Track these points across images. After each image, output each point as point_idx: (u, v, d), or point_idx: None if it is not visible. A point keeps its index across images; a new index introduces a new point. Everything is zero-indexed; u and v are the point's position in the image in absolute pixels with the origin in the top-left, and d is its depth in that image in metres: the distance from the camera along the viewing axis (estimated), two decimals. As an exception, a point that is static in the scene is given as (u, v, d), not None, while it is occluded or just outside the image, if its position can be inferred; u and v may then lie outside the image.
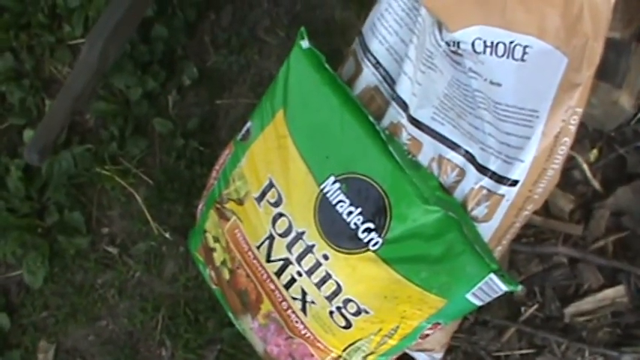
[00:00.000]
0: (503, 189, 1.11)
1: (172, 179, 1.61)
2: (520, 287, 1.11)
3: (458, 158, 1.14)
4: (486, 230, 1.16)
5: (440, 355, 1.35)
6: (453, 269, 1.09)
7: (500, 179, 1.11)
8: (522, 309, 1.43)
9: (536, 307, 1.43)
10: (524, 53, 1.03)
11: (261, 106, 1.22)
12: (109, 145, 1.62)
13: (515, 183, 1.11)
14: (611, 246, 1.48)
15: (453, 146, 1.14)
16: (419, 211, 1.09)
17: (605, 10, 1.02)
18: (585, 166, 1.52)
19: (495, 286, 1.10)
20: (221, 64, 1.63)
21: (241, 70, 1.58)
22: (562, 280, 1.45)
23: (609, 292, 1.44)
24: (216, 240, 1.34)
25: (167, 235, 1.59)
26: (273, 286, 1.24)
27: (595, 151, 1.55)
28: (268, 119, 1.19)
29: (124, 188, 1.60)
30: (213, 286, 1.40)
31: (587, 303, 1.43)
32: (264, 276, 1.24)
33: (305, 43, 1.16)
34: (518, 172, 1.09)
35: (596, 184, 1.53)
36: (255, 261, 1.25)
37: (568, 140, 1.10)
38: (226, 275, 1.33)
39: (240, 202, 1.25)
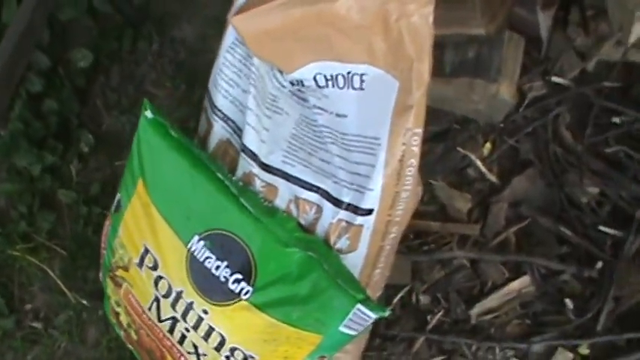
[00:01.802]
0: (359, 219, 1.16)
1: (83, 247, 1.67)
2: (388, 312, 1.16)
3: (313, 196, 1.19)
4: (356, 259, 1.21)
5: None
6: (322, 306, 1.15)
7: (355, 210, 1.15)
8: (429, 317, 1.48)
9: (441, 313, 1.48)
10: (362, 81, 1.09)
11: (125, 177, 1.28)
12: (19, 225, 1.68)
13: (370, 212, 1.16)
14: (513, 237, 1.53)
15: (307, 185, 1.19)
16: (280, 256, 1.14)
17: (425, 32, 1.07)
18: (479, 163, 1.57)
19: (364, 315, 1.15)
20: (115, 126, 1.69)
21: (134, 128, 1.63)
22: (465, 282, 1.50)
23: (514, 285, 1.49)
24: (118, 304, 1.40)
25: (84, 302, 1.66)
26: (170, 344, 1.29)
27: (488, 145, 1.60)
28: (132, 190, 1.25)
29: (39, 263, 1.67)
30: (129, 346, 1.46)
31: (492, 300, 1.48)
32: (161, 335, 1.30)
33: (149, 114, 1.21)
34: (371, 201, 1.14)
35: (492, 178, 1.58)
36: (150, 322, 1.31)
37: (414, 161, 1.15)
38: (134, 336, 1.40)
39: (126, 268, 1.31)
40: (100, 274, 1.44)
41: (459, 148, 1.56)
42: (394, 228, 1.20)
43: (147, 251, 1.25)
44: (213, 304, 1.19)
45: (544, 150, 1.55)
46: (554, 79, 1.60)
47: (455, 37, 1.53)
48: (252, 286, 1.15)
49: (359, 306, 1.13)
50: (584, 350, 1.45)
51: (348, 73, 1.10)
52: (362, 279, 1.25)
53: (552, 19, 1.60)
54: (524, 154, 1.58)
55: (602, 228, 1.48)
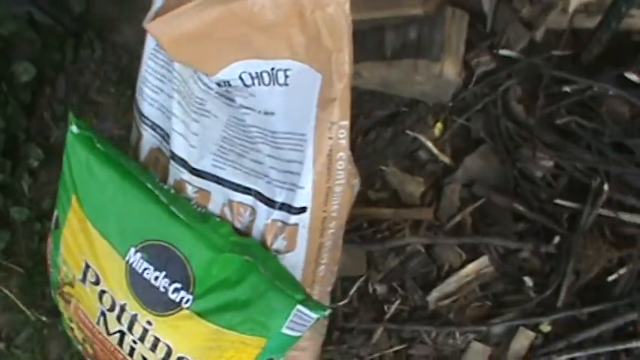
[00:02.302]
0: (294, 218, 1.15)
1: (39, 263, 1.67)
2: (328, 312, 1.16)
3: (247, 198, 1.18)
4: (296, 258, 1.21)
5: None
6: (263, 309, 1.14)
7: (289, 209, 1.15)
8: (386, 307, 1.47)
9: (399, 301, 1.47)
10: (286, 77, 1.08)
11: (60, 194, 1.27)
12: (-26, 247, 1.68)
13: (303, 210, 1.15)
14: (469, 218, 1.52)
15: (240, 188, 1.18)
16: (216, 262, 1.14)
17: (342, 22, 1.06)
18: (430, 144, 1.56)
19: (305, 315, 1.14)
20: (64, 138, 1.66)
21: (82, 138, 1.63)
22: (421, 268, 1.50)
23: (472, 267, 1.48)
24: (71, 320, 1.40)
25: (44, 318, 1.66)
26: (121, 356, 1.29)
27: (439, 125, 1.59)
28: (67, 206, 1.24)
29: (-2, 282, 1.67)
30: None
31: (449, 284, 1.47)
32: (112, 348, 1.30)
33: (75, 129, 1.20)
34: (303, 199, 1.14)
35: (445, 159, 1.56)
36: (101, 336, 1.30)
37: (343, 155, 1.14)
38: (90, 350, 1.40)
39: (71, 285, 1.31)
40: (52, 293, 1.44)
41: (408, 131, 1.55)
42: (332, 223, 1.19)
43: (88, 267, 1.24)
44: (157, 315, 1.19)
45: (495, 126, 1.54)
46: (502, 51, 1.59)
47: (394, 20, 1.52)
48: (192, 294, 1.15)
49: (299, 307, 1.13)
50: (545, 327, 1.44)
51: (272, 69, 1.09)
52: (306, 277, 1.24)
53: (495, -9, 1.58)
54: (475, 132, 1.56)
55: (558, 201, 1.47)
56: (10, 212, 1.71)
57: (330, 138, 1.10)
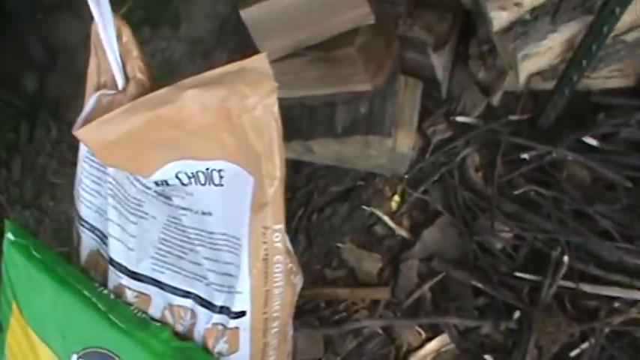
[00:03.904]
0: (233, 322, 1.16)
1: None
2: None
3: (186, 302, 1.19)
4: (241, 358, 1.21)
5: None
6: None
7: (228, 313, 1.15)
8: (345, 394, 1.48)
9: (358, 387, 1.47)
10: (221, 177, 1.10)
11: (1, 299, 1.28)
12: None
13: (243, 313, 1.15)
14: (428, 294, 1.52)
15: (179, 291, 1.19)
16: None
17: (271, 125, 1.07)
18: (387, 218, 1.56)
19: None
20: (19, 221, 1.69)
21: (38, 221, 1.64)
22: (379, 350, 1.50)
23: (432, 345, 1.49)
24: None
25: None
26: None
27: (396, 198, 1.59)
28: (9, 312, 1.26)
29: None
30: None
31: (409, 365, 1.47)
32: None
33: (11, 236, 1.21)
34: (242, 304, 1.14)
35: (403, 233, 1.57)
36: None
37: (280, 258, 1.14)
38: None
39: (20, 389, 1.32)
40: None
41: (364, 206, 1.55)
42: (275, 323, 1.20)
43: (32, 373, 1.25)
44: (103, 422, 1.19)
45: (453, 197, 1.55)
46: (459, 118, 1.60)
47: (345, 95, 1.52)
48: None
49: None
50: (510, 407, 1.44)
51: (207, 169, 1.10)
52: (253, 375, 1.24)
53: (448, 58, 1.59)
54: (433, 204, 1.57)
55: (518, 274, 1.46)
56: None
57: (265, 242, 1.11)
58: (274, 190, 1.07)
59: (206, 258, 1.15)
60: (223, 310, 1.16)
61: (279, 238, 1.12)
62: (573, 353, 1.43)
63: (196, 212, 1.14)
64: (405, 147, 1.52)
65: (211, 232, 1.13)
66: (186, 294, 1.19)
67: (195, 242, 1.16)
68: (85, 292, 1.18)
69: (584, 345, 1.43)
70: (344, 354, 1.49)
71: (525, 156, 1.53)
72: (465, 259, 1.52)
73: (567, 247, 1.45)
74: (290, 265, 1.19)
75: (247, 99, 1.02)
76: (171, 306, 1.20)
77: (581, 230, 1.47)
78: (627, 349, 1.42)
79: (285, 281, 1.16)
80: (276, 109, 1.05)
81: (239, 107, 1.03)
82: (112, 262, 1.21)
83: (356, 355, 1.49)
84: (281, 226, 1.11)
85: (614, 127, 1.49)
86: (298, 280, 1.25)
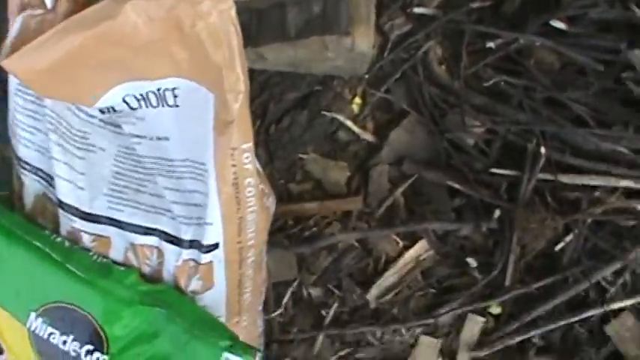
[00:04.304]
0: (206, 257, 1.06)
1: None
2: (260, 354, 1.08)
3: (151, 239, 1.08)
4: (216, 295, 1.13)
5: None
6: None
7: (200, 247, 1.05)
8: (324, 312, 1.40)
9: (337, 304, 1.40)
10: (175, 97, 0.99)
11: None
12: None
13: (215, 246, 1.05)
14: (401, 199, 1.44)
15: (141, 229, 1.08)
16: (127, 316, 1.05)
17: (230, 31, 0.95)
18: (349, 123, 1.47)
19: None
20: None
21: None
22: (356, 264, 1.43)
23: (411, 253, 1.42)
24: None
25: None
26: None
27: (357, 100, 1.49)
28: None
29: None
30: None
31: (389, 277, 1.41)
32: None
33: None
34: (213, 235, 1.05)
35: (368, 137, 1.48)
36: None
37: (252, 180, 1.04)
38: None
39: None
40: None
41: (324, 112, 1.44)
42: (250, 252, 1.11)
43: (-11, 337, 1.14)
44: (72, 382, 1.09)
45: (419, 94, 1.45)
46: (417, 10, 1.48)
47: (294, -6, 1.39)
48: (108, 354, 1.06)
49: (226, 355, 1.04)
50: (495, 309, 1.40)
51: (159, 89, 0.99)
52: (231, 310, 1.16)
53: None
54: (397, 103, 1.47)
55: (494, 170, 1.39)
56: None
57: (234, 165, 1.01)
58: (239, 105, 0.96)
59: (168, 189, 1.04)
60: (193, 244, 1.06)
61: (249, 159, 1.01)
62: (558, 247, 1.38)
63: (151, 139, 1.03)
64: (364, 45, 1.39)
65: (171, 160, 1.02)
66: (149, 231, 1.08)
67: (154, 172, 1.05)
68: (36, 243, 1.07)
69: (569, 237, 1.37)
70: (319, 272, 1.41)
71: (491, 45, 1.43)
72: (436, 159, 1.44)
73: (542, 138, 1.37)
74: (262, 186, 1.09)
75: (199, 4, 0.90)
76: (134, 246, 1.09)
77: (555, 118, 1.39)
78: (610, 238, 1.37)
79: (258, 205, 1.06)
80: (233, 12, 0.93)
81: (191, 15, 0.91)
82: (61, 204, 1.09)
83: (332, 271, 1.41)
84: (250, 144, 1.00)
85: (581, 8, 1.39)
86: (271, 203, 1.16)
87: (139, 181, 1.08)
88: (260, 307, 1.26)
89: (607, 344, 1.37)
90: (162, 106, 1.00)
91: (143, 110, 1.01)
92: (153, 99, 1.00)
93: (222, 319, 1.14)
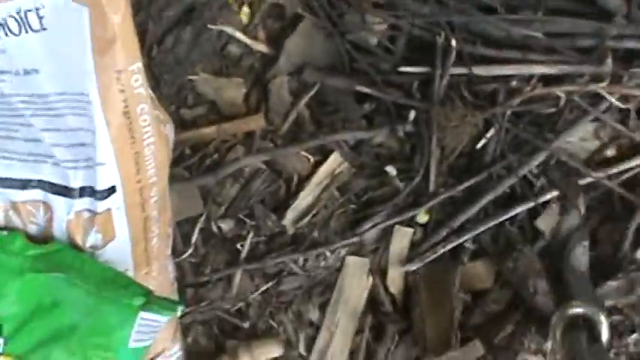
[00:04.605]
0: (102, 204, 0.91)
1: None
2: (181, 308, 0.94)
3: (34, 194, 0.92)
4: (120, 245, 0.99)
5: (177, 349, 1.20)
6: (97, 328, 0.92)
7: (93, 194, 0.90)
8: (239, 245, 1.27)
9: (252, 235, 1.27)
10: (40, 18, 0.83)
11: None
12: None
13: (112, 190, 0.90)
14: (306, 111, 1.32)
15: (19, 183, 0.92)
16: (19, 288, 0.91)
17: None
18: (239, 34, 1.32)
19: (153, 320, 0.93)
20: None
21: None
22: (267, 188, 1.30)
23: (324, 169, 1.31)
24: None
25: None
26: None
27: (245, 9, 1.35)
28: None
29: None
30: None
31: (304, 198, 1.29)
32: None
33: None
34: (108, 177, 0.90)
35: (261, 47, 1.33)
36: None
37: (145, 107, 0.90)
38: None
39: None
40: None
41: (210, 26, 1.28)
42: (153, 190, 0.97)
43: None
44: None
45: (312, -5, 1.30)
46: None
47: None
48: (1, 336, 0.91)
49: (141, 314, 0.91)
50: (422, 218, 1.30)
51: (18, 11, 0.84)
52: (138, 260, 1.02)
53: None
54: (291, 7, 1.33)
55: (402, 69, 1.27)
56: None
57: (122, 91, 0.86)
58: (121, 18, 0.83)
59: (46, 130, 0.89)
60: (85, 191, 0.91)
61: (139, 82, 0.87)
62: (479, 145, 1.28)
63: (16, 73, 0.87)
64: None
65: (44, 95, 0.88)
66: (30, 183, 0.93)
67: (27, 114, 0.90)
68: None
69: (489, 133, 1.28)
70: (227, 202, 1.28)
71: None
72: (339, 63, 1.31)
73: (450, 30, 1.26)
74: (157, 112, 0.94)
75: None
76: (14, 204, 0.94)
77: (461, 8, 1.28)
78: (530, 128, 1.29)
79: (156, 135, 0.91)
80: None
81: None
82: None
83: (242, 199, 1.28)
84: (139, 65, 0.87)
85: None
86: (169, 130, 1.01)
87: (8, 126, 0.92)
88: (169, 252, 1.12)
89: (539, 239, 1.28)
90: (26, 32, 0.84)
91: (2, 41, 0.85)
92: (13, 25, 0.84)
93: (130, 273, 1.00)
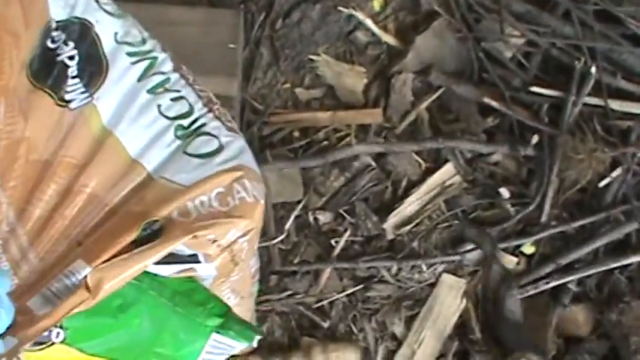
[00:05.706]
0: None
1: None
2: (258, 338, 0.86)
3: None
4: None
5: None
6: (166, 340, 0.84)
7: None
8: (333, 241, 1.19)
9: (349, 232, 1.20)
10: None
11: None
12: None
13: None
14: (426, 115, 1.25)
15: None
16: None
17: None
18: (369, 22, 1.25)
19: (226, 344, 0.85)
20: None
21: None
22: (373, 187, 1.23)
23: (435, 178, 1.24)
24: None
25: None
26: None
27: (378, -3, 1.27)
28: None
29: None
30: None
31: (410, 204, 1.22)
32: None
33: None
34: None
35: (390, 40, 1.27)
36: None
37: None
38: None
39: None
40: None
41: (340, 7, 1.22)
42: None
43: None
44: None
45: (451, -6, 1.24)
46: None
47: None
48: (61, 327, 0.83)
49: (214, 336, 0.83)
50: (528, 249, 1.22)
51: None
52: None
53: None
54: (426, 2, 1.25)
55: (534, 89, 1.19)
56: None
57: None
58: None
59: None
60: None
61: None
62: (603, 183, 1.20)
63: None
64: None
65: None
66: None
67: None
68: None
69: (615, 173, 1.20)
70: (329, 194, 1.20)
71: (539, -57, 1.23)
72: (468, 70, 1.26)
73: (591, 56, 1.18)
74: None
75: None
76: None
77: (607, 34, 1.21)
78: (662, 178, 1.21)
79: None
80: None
81: None
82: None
83: (345, 194, 1.21)
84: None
85: None
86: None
87: None
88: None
89: (648, 295, 1.20)
90: None
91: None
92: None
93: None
